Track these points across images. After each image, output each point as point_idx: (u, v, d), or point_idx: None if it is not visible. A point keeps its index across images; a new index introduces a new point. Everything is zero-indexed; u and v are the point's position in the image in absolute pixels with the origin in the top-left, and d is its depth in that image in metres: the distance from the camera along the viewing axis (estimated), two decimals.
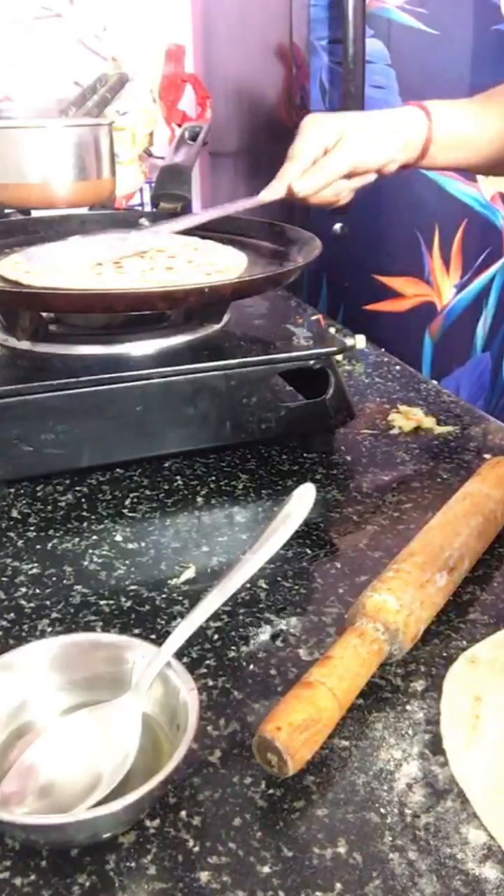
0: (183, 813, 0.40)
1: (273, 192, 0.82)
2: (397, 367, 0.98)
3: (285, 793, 0.41)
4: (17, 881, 0.37)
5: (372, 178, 0.85)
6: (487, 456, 0.75)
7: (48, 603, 0.56)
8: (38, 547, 0.62)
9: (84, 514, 0.67)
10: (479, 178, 1.43)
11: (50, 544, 0.63)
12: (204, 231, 0.91)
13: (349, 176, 0.83)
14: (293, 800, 0.41)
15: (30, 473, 0.70)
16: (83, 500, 0.69)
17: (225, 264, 0.77)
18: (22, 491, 0.70)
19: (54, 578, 0.59)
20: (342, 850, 0.38)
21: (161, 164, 1.09)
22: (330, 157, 0.81)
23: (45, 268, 0.76)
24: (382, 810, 0.40)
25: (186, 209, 1.00)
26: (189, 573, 0.59)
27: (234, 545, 0.63)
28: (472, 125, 0.86)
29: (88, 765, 0.41)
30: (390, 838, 0.39)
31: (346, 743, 0.44)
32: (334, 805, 0.41)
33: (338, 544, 0.63)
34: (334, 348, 0.74)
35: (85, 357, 0.72)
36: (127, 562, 0.61)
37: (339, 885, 0.37)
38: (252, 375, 0.71)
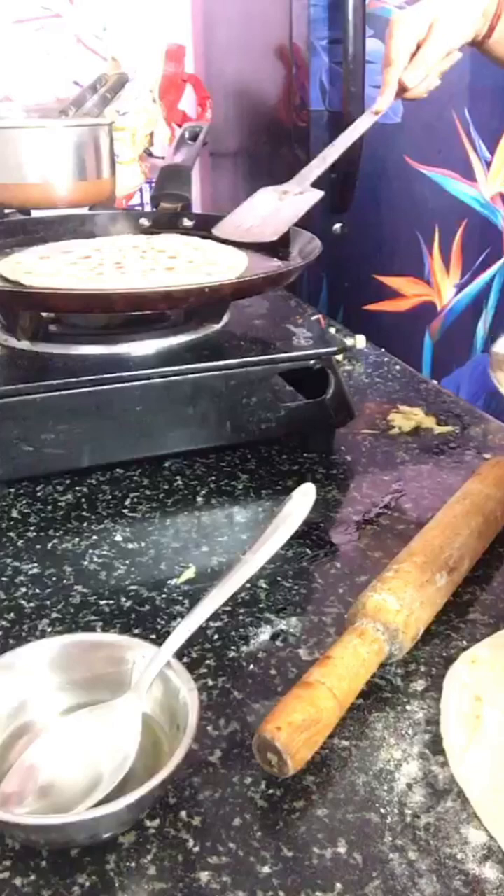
0: (183, 813, 0.40)
1: (387, 99, 0.87)
2: (397, 367, 0.98)
3: (285, 793, 0.41)
4: (17, 881, 0.37)
5: (457, 56, 0.89)
6: (487, 456, 0.75)
7: (48, 603, 0.56)
8: (38, 547, 0.62)
9: (84, 514, 0.67)
10: (479, 178, 1.43)
11: (50, 544, 0.63)
12: (205, 231, 0.91)
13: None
14: (293, 800, 0.41)
15: (30, 473, 0.70)
16: (83, 500, 0.69)
17: (226, 264, 0.77)
18: (22, 491, 0.70)
19: (54, 578, 0.59)
20: (342, 850, 0.38)
21: (161, 164, 1.09)
22: (427, 47, 0.85)
23: (45, 268, 0.76)
24: (382, 810, 0.40)
25: (186, 209, 1.00)
26: (189, 573, 0.59)
27: (234, 545, 0.63)
28: None
29: (88, 765, 0.41)
30: (390, 838, 0.39)
31: (346, 743, 0.44)
32: (334, 805, 0.41)
33: (338, 544, 0.63)
34: (334, 348, 0.74)
35: (85, 357, 0.72)
36: (127, 562, 0.61)
37: (339, 885, 0.37)
38: (252, 375, 0.71)
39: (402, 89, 0.87)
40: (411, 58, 0.86)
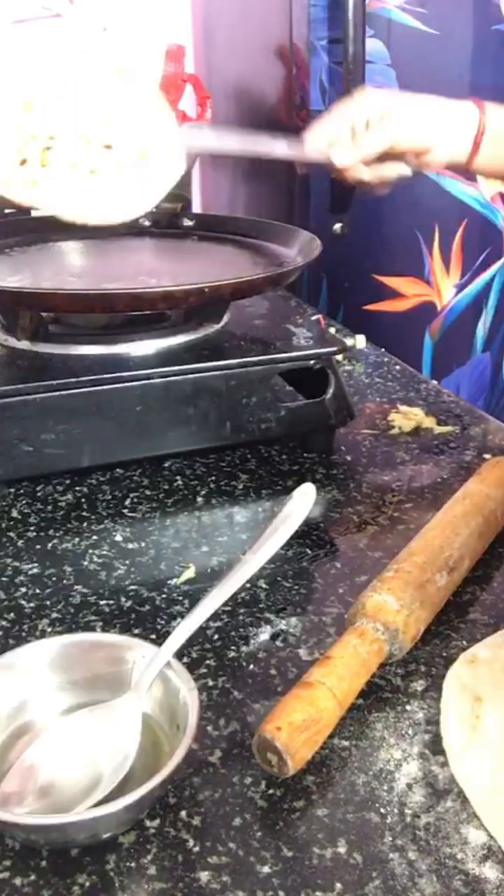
0: (183, 813, 0.40)
1: (297, 147, 0.81)
2: (397, 367, 0.98)
3: (285, 793, 0.41)
4: (17, 881, 0.37)
5: (406, 171, 0.83)
6: (487, 456, 0.75)
7: (48, 603, 0.56)
8: (38, 547, 0.62)
9: (84, 514, 0.67)
10: (480, 178, 1.43)
11: (50, 544, 0.63)
12: (206, 231, 0.91)
13: (390, 156, 0.81)
14: (293, 800, 0.41)
15: (30, 473, 0.70)
16: (83, 500, 0.69)
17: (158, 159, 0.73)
18: (22, 491, 0.70)
19: (54, 578, 0.59)
20: (342, 850, 0.38)
21: None
22: (372, 128, 0.79)
23: None
24: (382, 810, 0.40)
25: (186, 209, 1.00)
26: (189, 573, 0.59)
27: (234, 545, 0.63)
28: None
29: (88, 765, 0.41)
30: (390, 838, 0.39)
31: (346, 743, 0.44)
32: (334, 805, 0.41)
33: (338, 544, 0.63)
34: (334, 348, 0.74)
35: (85, 357, 0.72)
36: (127, 562, 0.61)
37: (339, 885, 0.37)
38: (252, 375, 0.71)
39: (329, 161, 0.80)
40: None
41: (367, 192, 0.85)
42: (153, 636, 0.52)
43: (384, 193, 0.85)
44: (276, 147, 0.82)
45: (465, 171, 0.86)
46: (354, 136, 0.80)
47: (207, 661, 0.50)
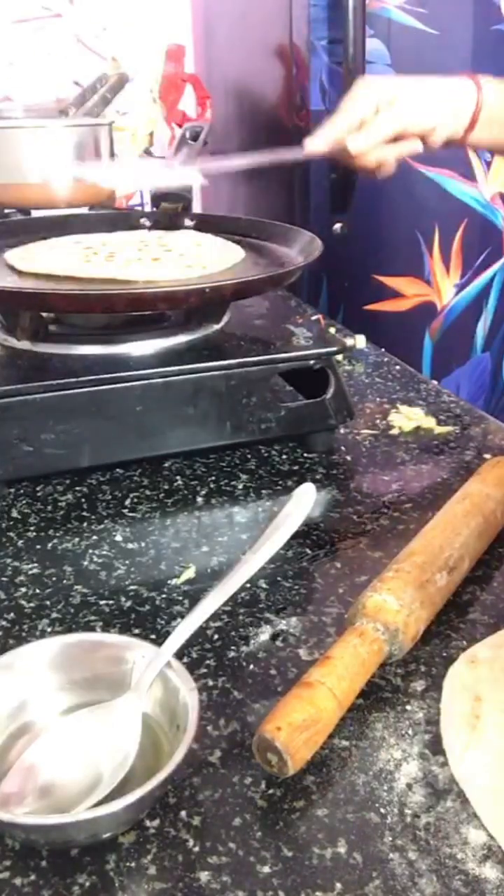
0: (183, 813, 0.40)
1: (316, 143, 0.82)
2: (397, 367, 0.98)
3: (285, 793, 0.41)
4: (17, 881, 0.37)
5: (418, 147, 0.85)
6: (487, 456, 0.75)
7: (48, 603, 0.56)
8: (38, 547, 0.62)
9: (84, 514, 0.67)
10: (479, 178, 1.43)
11: (50, 544, 0.63)
12: (206, 231, 0.91)
13: (397, 139, 0.83)
14: (293, 800, 0.41)
15: (30, 473, 0.70)
16: (83, 500, 0.69)
17: (211, 259, 0.77)
18: (22, 491, 0.70)
19: (54, 578, 0.59)
20: (342, 850, 0.38)
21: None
22: (380, 116, 0.81)
23: (41, 252, 0.77)
24: (382, 810, 0.40)
25: (187, 209, 1.00)
26: (189, 573, 0.59)
27: (234, 545, 0.63)
28: None
29: (88, 765, 0.41)
30: (390, 838, 0.39)
31: (346, 743, 0.44)
32: (334, 805, 0.41)
33: (338, 544, 0.63)
34: (334, 348, 0.74)
35: (85, 357, 0.72)
36: (127, 562, 0.61)
37: (339, 885, 0.37)
38: (252, 375, 0.71)
39: (348, 154, 0.82)
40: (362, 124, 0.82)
41: (372, 177, 0.86)
42: (153, 636, 0.52)
43: (389, 175, 0.87)
44: (292, 152, 0.85)
45: (458, 146, 0.88)
46: (364, 123, 0.82)
47: (207, 661, 0.50)
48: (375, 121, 0.81)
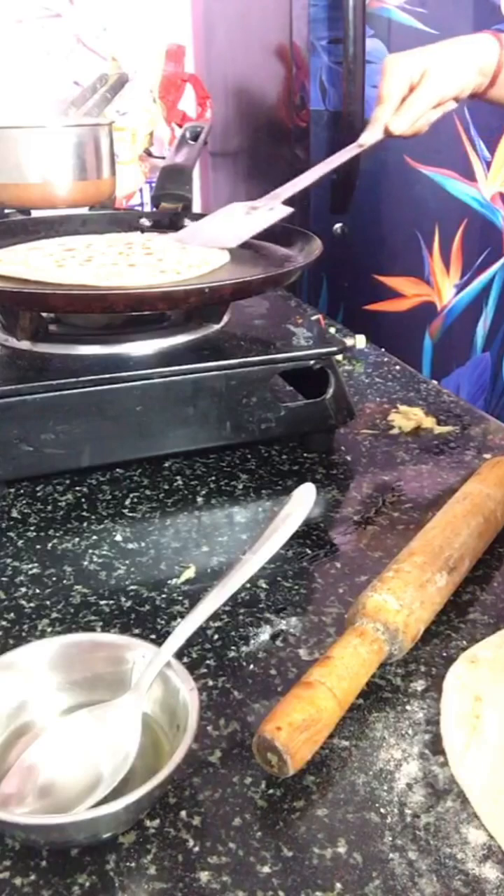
0: (183, 813, 0.40)
1: (372, 135, 0.87)
2: (397, 367, 0.98)
3: (285, 793, 0.41)
4: (17, 881, 0.37)
5: (452, 105, 0.90)
6: (487, 456, 0.75)
7: (48, 603, 0.56)
8: (38, 547, 0.62)
9: (84, 514, 0.67)
10: (479, 177, 1.43)
11: (50, 544, 0.63)
12: None
13: (434, 106, 0.87)
14: (293, 800, 0.41)
15: (30, 473, 0.70)
16: (83, 500, 0.69)
17: (189, 263, 0.76)
18: (22, 491, 0.70)
19: (54, 578, 0.59)
20: (342, 850, 0.38)
21: (161, 164, 1.09)
22: (418, 93, 0.85)
23: (11, 256, 0.77)
24: (382, 810, 0.40)
25: (187, 210, 1.00)
26: (189, 573, 0.59)
27: (234, 545, 0.63)
28: None
29: (88, 765, 0.41)
30: (390, 838, 0.39)
31: (346, 743, 0.44)
32: (334, 805, 0.41)
33: (338, 544, 0.63)
34: (334, 348, 0.74)
35: (85, 357, 0.72)
36: (127, 562, 0.61)
37: (339, 885, 0.37)
38: (252, 375, 0.71)
39: (388, 133, 0.87)
40: (402, 101, 0.86)
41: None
42: (153, 636, 0.52)
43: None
44: (349, 151, 0.89)
45: (478, 100, 0.92)
46: (403, 102, 0.86)
47: (207, 661, 0.50)
48: (412, 99, 0.85)
